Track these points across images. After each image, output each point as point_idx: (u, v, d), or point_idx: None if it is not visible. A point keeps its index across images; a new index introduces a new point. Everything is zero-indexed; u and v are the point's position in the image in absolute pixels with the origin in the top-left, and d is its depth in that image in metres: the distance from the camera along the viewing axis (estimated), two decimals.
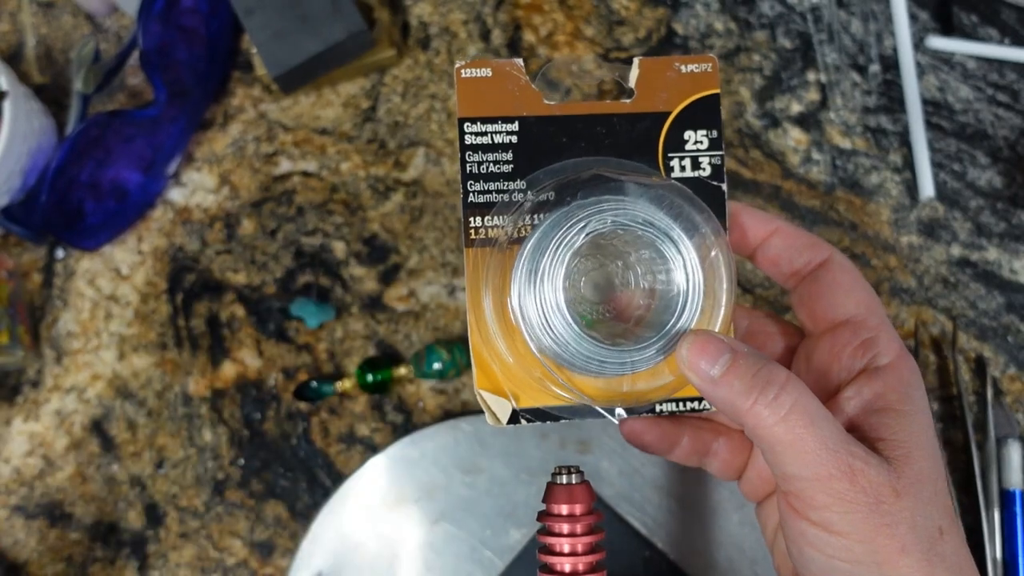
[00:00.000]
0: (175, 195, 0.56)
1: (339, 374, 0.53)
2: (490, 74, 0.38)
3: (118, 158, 0.55)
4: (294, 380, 0.53)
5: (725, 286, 0.33)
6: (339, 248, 0.55)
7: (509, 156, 0.38)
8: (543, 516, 0.33)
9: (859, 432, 0.29)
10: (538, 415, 0.35)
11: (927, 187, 0.53)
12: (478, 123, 0.38)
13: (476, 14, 0.58)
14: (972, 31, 0.56)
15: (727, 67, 0.56)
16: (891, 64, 0.56)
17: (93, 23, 0.60)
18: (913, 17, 0.56)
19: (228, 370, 0.53)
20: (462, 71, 0.37)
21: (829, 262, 0.33)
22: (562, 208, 0.34)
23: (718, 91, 0.38)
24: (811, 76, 0.56)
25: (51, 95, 0.58)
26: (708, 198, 0.37)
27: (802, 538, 0.28)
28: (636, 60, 0.38)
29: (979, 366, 0.50)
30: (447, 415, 0.52)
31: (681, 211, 0.34)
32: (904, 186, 0.54)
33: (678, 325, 0.32)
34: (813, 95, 0.56)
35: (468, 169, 0.37)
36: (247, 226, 0.55)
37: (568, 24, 0.57)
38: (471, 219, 0.37)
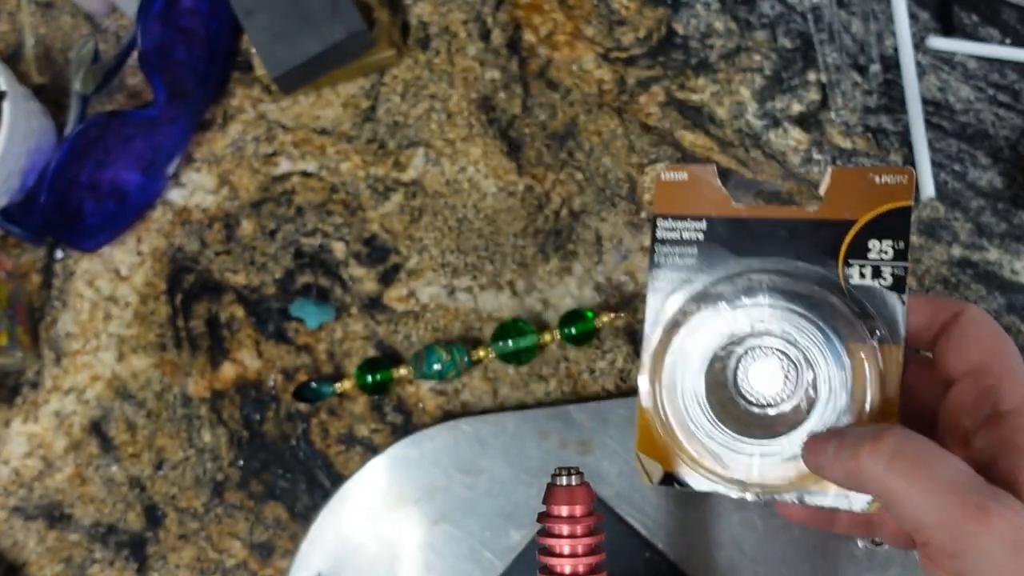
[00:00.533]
0: (174, 196, 0.56)
1: (339, 375, 0.53)
2: (686, 178, 0.42)
3: (117, 159, 0.55)
4: (293, 381, 0.53)
5: (870, 391, 0.35)
6: (339, 248, 0.55)
7: (694, 251, 0.41)
8: (543, 517, 0.33)
9: (992, 479, 0.27)
10: (686, 483, 0.37)
11: (928, 187, 0.53)
12: (670, 220, 0.42)
13: (476, 14, 0.58)
14: (973, 31, 0.56)
15: (727, 67, 0.56)
16: (892, 64, 0.56)
17: (92, 23, 0.60)
18: (914, 17, 0.56)
19: (227, 371, 0.53)
20: (662, 175, 0.42)
21: (959, 315, 0.33)
22: (714, 305, 0.38)
23: (910, 204, 0.39)
24: (811, 76, 0.56)
25: (50, 95, 0.58)
26: (882, 306, 0.39)
27: None
28: (829, 169, 0.40)
29: None
30: (447, 416, 0.52)
31: (828, 319, 0.37)
32: None
33: (807, 427, 0.35)
34: (813, 95, 0.55)
35: (656, 260, 0.41)
36: (246, 227, 0.55)
37: (568, 24, 0.57)
38: (653, 302, 0.41)
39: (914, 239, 0.53)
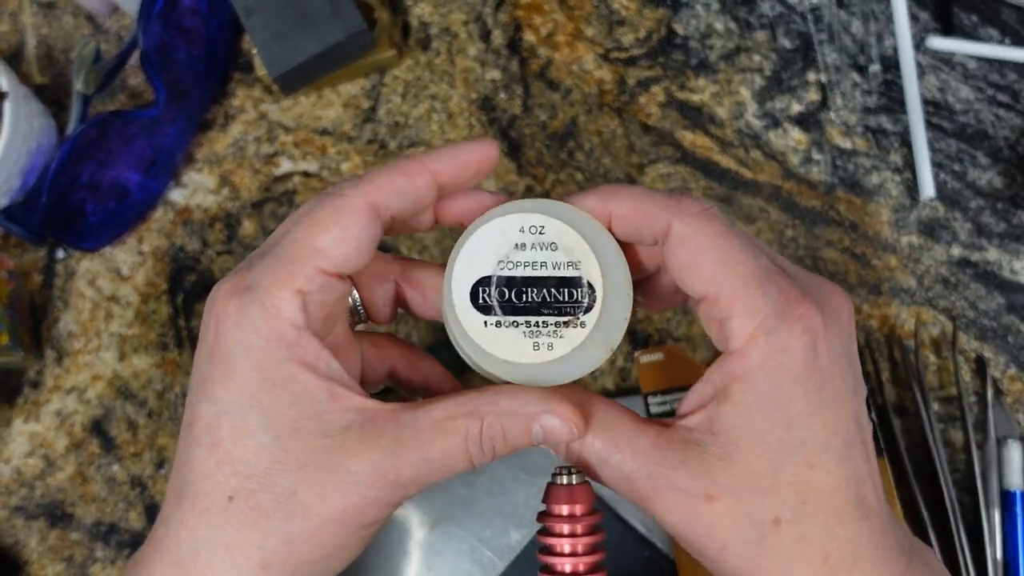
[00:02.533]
0: (175, 196, 0.56)
1: None
2: (662, 357, 0.48)
3: (118, 159, 0.55)
4: None
5: None
6: None
7: None
8: (543, 516, 0.33)
9: (696, 430, 0.28)
10: None
11: (927, 187, 0.53)
12: (659, 395, 0.47)
13: (476, 14, 0.58)
14: (972, 31, 0.56)
15: (727, 67, 0.56)
16: (891, 64, 0.56)
17: (94, 23, 0.60)
18: (913, 17, 0.56)
19: None
20: (641, 358, 0.48)
21: (668, 239, 0.28)
22: None
23: None
24: (811, 76, 0.56)
25: (52, 95, 0.58)
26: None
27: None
28: None
29: (979, 366, 0.50)
30: None
31: None
32: (904, 186, 0.54)
33: None
34: (813, 95, 0.56)
35: None
36: (248, 227, 0.55)
37: (568, 24, 0.57)
38: None
39: (914, 239, 0.53)
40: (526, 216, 0.29)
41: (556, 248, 0.29)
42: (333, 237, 0.28)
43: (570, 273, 0.29)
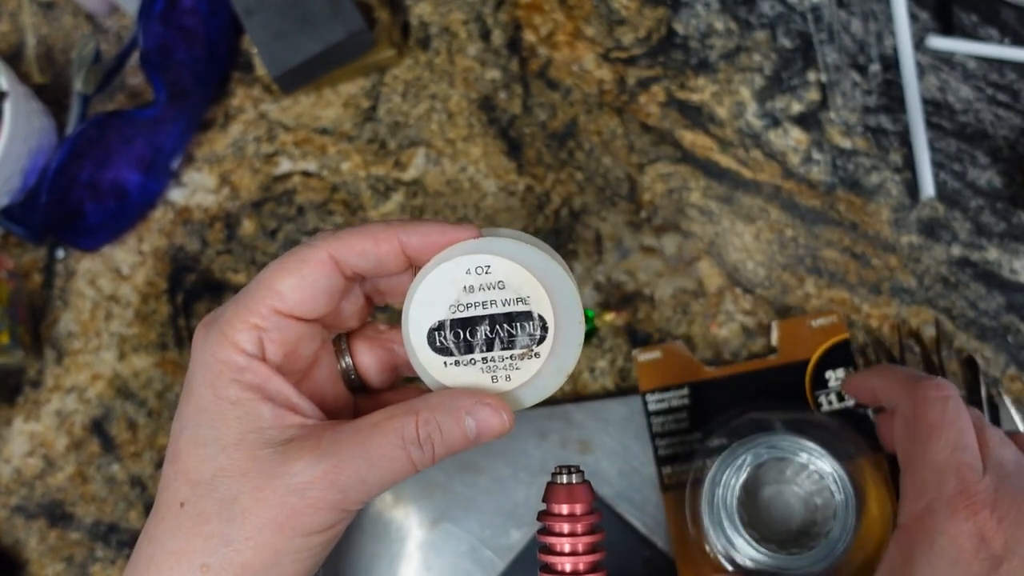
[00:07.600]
0: (175, 195, 0.56)
1: None
2: (660, 355, 0.48)
3: (118, 158, 0.55)
4: None
5: (873, 495, 0.42)
6: None
7: (685, 415, 0.47)
8: (543, 516, 0.33)
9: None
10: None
11: (927, 187, 0.53)
12: (657, 393, 0.48)
13: (476, 14, 0.58)
14: (972, 31, 0.56)
15: (727, 67, 0.56)
16: (891, 64, 0.56)
17: (93, 23, 0.60)
18: (913, 17, 0.56)
19: None
20: (638, 356, 0.48)
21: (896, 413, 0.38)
22: (727, 449, 0.42)
23: (847, 336, 0.48)
24: (811, 76, 0.56)
25: (51, 95, 0.58)
26: (855, 422, 0.46)
27: None
28: (774, 324, 0.49)
29: (979, 366, 0.51)
30: None
31: (823, 435, 0.42)
32: (904, 186, 0.54)
33: (836, 532, 0.41)
34: (813, 95, 0.56)
35: (654, 430, 0.47)
36: (247, 226, 0.55)
37: (568, 24, 0.57)
38: (663, 468, 0.47)
39: (914, 239, 0.53)
40: (471, 258, 0.30)
41: (504, 287, 0.30)
42: (291, 283, 0.30)
43: (520, 308, 0.31)
